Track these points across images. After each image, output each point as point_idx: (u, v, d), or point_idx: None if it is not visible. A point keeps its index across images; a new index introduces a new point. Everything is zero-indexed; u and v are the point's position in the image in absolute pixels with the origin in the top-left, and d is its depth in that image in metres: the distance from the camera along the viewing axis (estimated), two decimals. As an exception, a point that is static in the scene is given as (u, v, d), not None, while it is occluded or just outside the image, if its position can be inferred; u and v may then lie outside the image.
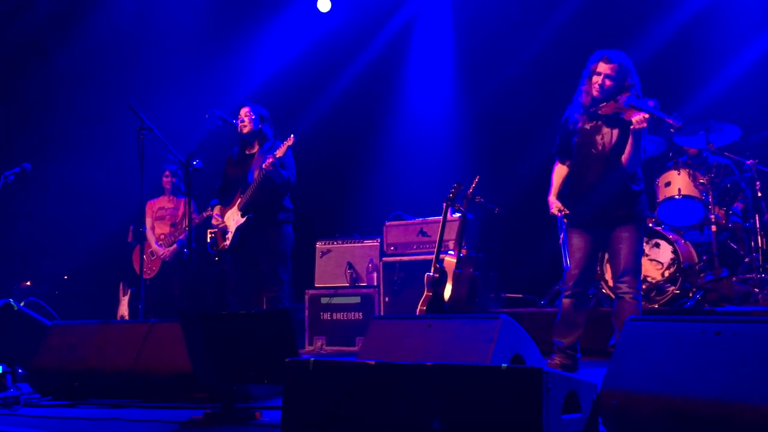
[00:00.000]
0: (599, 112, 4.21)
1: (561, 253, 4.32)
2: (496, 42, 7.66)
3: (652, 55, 6.95)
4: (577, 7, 7.33)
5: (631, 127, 4.02)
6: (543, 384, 2.16)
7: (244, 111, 5.36)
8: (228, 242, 5.27)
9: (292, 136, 5.10)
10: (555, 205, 4.35)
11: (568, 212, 4.28)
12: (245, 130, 5.32)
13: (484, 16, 7.76)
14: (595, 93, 4.19)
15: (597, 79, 4.18)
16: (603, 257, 5.30)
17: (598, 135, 4.23)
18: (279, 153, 5.05)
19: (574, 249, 4.29)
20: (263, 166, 5.05)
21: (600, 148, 4.22)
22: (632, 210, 4.20)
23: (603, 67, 4.18)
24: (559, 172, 4.46)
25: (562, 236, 4.29)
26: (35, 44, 8.24)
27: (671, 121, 3.92)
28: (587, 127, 4.26)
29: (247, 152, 5.39)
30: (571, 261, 4.28)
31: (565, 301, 4.33)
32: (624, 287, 4.16)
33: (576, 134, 4.29)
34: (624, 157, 4.15)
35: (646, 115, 3.96)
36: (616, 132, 4.20)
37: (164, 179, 6.83)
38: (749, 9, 6.81)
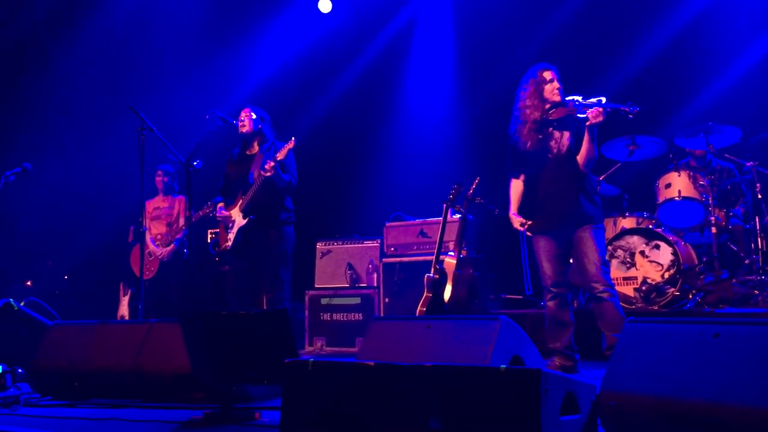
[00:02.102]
0: (549, 118, 4.31)
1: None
2: (496, 43, 7.67)
3: (652, 57, 6.97)
4: (576, 10, 7.34)
5: (587, 123, 4.11)
6: (541, 385, 2.16)
7: (244, 112, 5.38)
8: (230, 243, 5.27)
9: (293, 139, 5.10)
10: (516, 221, 4.44)
11: (530, 223, 4.36)
12: (244, 130, 5.33)
13: (485, 18, 7.77)
14: (557, 98, 4.29)
15: (554, 86, 4.30)
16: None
17: (551, 141, 4.32)
18: (280, 156, 5.05)
19: (542, 253, 4.39)
20: (263, 171, 5.06)
21: (555, 151, 4.31)
22: (587, 209, 4.28)
23: (549, 74, 4.33)
24: (516, 187, 4.54)
25: (523, 257, 4.40)
26: (35, 44, 8.25)
27: (626, 109, 4.03)
28: (539, 136, 4.33)
29: (247, 153, 5.40)
30: (543, 265, 4.38)
31: (549, 304, 4.41)
32: (598, 286, 4.22)
33: (528, 147, 4.34)
34: (580, 157, 4.24)
35: (600, 109, 4.05)
36: (567, 134, 4.30)
37: (156, 179, 6.83)
38: (749, 11, 6.81)
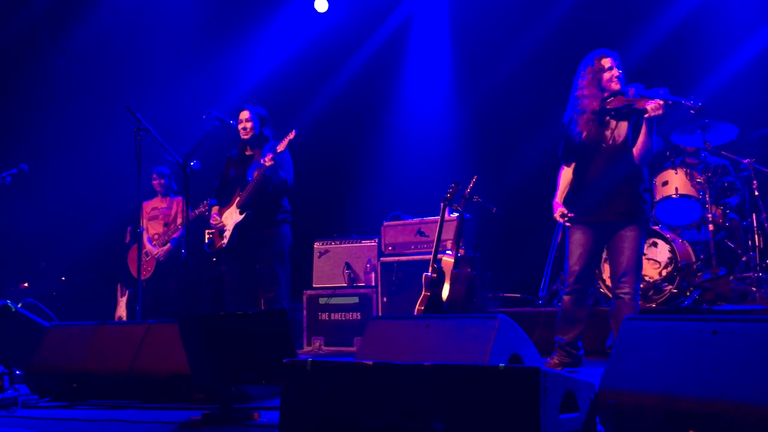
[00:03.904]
0: (607, 106, 4.15)
1: (560, 254, 4.29)
2: (493, 41, 7.67)
3: (648, 53, 6.96)
4: (572, 6, 7.34)
5: (646, 115, 3.93)
6: (540, 384, 2.16)
7: (244, 116, 5.34)
8: (225, 240, 5.27)
9: (294, 131, 5.08)
10: (558, 210, 4.28)
11: (572, 215, 4.21)
12: (246, 137, 5.33)
13: (481, 15, 7.77)
14: (616, 86, 4.14)
15: (612, 73, 4.14)
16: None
17: (607, 130, 4.18)
18: (280, 148, 5.04)
19: (575, 245, 4.23)
20: (263, 162, 5.05)
21: (610, 142, 4.16)
22: (637, 208, 4.15)
23: (608, 62, 4.16)
24: (566, 175, 4.38)
25: (550, 255, 4.24)
26: (31, 44, 8.23)
27: (689, 103, 3.83)
28: (595, 124, 4.18)
29: (246, 153, 5.40)
30: (571, 257, 4.24)
31: (566, 297, 4.29)
32: (625, 288, 4.11)
33: (583, 137, 4.20)
34: (636, 149, 4.09)
35: (661, 102, 3.88)
36: (624, 125, 4.15)
37: (153, 182, 6.83)
38: (745, 7, 6.81)
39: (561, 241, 4.32)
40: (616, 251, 4.17)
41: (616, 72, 4.15)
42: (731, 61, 6.84)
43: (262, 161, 5.08)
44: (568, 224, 4.26)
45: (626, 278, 4.11)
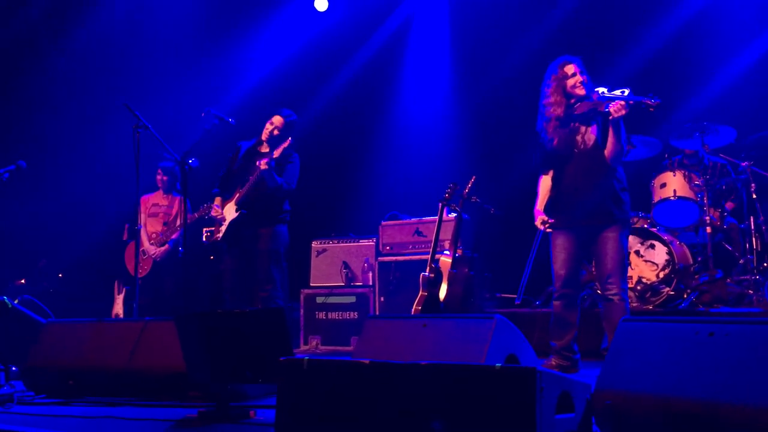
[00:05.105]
0: (574, 113, 4.24)
1: (550, 257, 4.36)
2: (492, 42, 7.67)
3: (648, 56, 6.97)
4: (573, 8, 7.34)
5: (610, 117, 4.04)
6: (536, 384, 2.16)
7: (278, 120, 5.33)
8: (221, 234, 5.28)
9: (289, 138, 5.11)
10: (539, 218, 4.36)
11: (552, 221, 4.28)
12: (265, 138, 5.33)
13: (481, 16, 7.77)
14: (581, 91, 4.22)
15: (576, 79, 4.23)
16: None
17: (577, 135, 4.26)
18: (276, 154, 5.05)
19: (558, 250, 4.30)
20: (258, 165, 5.06)
21: (582, 146, 4.24)
22: (616, 209, 4.21)
23: (571, 68, 4.25)
24: (544, 183, 4.45)
25: (529, 261, 4.33)
26: (31, 42, 8.22)
27: (649, 101, 3.95)
28: (565, 132, 4.26)
29: (259, 149, 5.39)
30: (556, 263, 4.31)
31: (556, 303, 4.35)
32: (613, 288, 4.15)
33: (555, 143, 4.27)
34: (607, 150, 4.18)
35: (623, 102, 3.99)
36: (593, 128, 4.24)
37: (157, 177, 6.81)
38: (744, 12, 6.82)
39: (540, 248, 4.42)
40: (600, 254, 4.22)
41: (580, 78, 4.23)
42: (730, 65, 6.85)
43: (258, 164, 5.07)
44: (549, 230, 4.32)
45: (612, 279, 4.16)
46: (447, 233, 5.81)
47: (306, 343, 6.53)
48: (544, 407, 2.20)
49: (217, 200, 5.41)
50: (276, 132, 5.31)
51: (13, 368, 4.37)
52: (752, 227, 5.75)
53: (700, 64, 6.87)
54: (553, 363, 4.32)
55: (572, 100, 4.25)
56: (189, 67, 8.22)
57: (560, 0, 7.44)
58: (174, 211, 6.74)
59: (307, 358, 2.64)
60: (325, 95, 8.45)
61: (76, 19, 8.12)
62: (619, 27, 7.09)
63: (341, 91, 8.43)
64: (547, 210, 4.35)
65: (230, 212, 5.29)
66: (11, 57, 8.17)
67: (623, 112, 3.98)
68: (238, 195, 5.27)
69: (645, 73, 6.96)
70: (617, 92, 4.06)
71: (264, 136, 5.36)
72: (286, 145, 5.07)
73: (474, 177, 5.73)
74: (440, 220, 5.68)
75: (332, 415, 2.51)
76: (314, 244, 6.85)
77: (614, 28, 7.09)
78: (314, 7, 8.18)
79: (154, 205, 6.82)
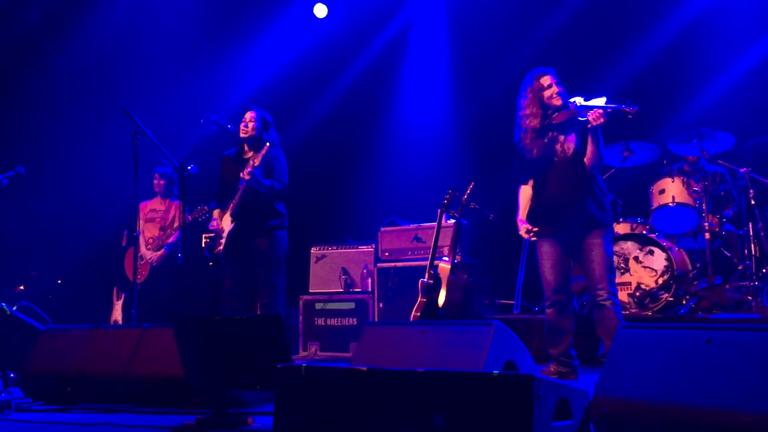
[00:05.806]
0: (553, 122, 4.28)
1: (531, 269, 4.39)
2: (491, 49, 7.68)
3: (646, 63, 6.99)
4: (572, 14, 7.36)
5: (589, 125, 4.09)
6: (534, 391, 2.16)
7: (249, 116, 5.28)
8: (221, 247, 5.26)
9: (267, 144, 5.07)
10: (523, 227, 4.40)
11: (537, 230, 4.32)
12: (245, 135, 5.26)
13: (480, 23, 7.78)
14: (557, 102, 4.26)
15: (552, 90, 4.28)
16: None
17: (557, 144, 4.30)
18: (255, 162, 5.00)
19: (545, 258, 4.34)
20: (242, 176, 5.00)
21: (561, 155, 4.28)
22: (600, 214, 4.25)
23: (547, 80, 4.30)
24: (525, 192, 4.49)
25: (520, 270, 4.37)
26: (30, 47, 8.23)
27: (627, 109, 4.01)
28: (543, 142, 4.30)
29: (243, 156, 5.34)
30: (544, 271, 4.34)
31: (548, 311, 4.37)
32: (602, 294, 4.18)
33: (534, 154, 4.32)
34: (587, 159, 4.22)
35: (600, 111, 4.04)
36: (572, 137, 4.28)
37: (154, 182, 6.81)
38: (742, 19, 6.84)
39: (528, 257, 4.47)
40: (586, 261, 4.25)
41: (556, 89, 4.29)
42: (728, 71, 6.87)
43: (241, 175, 5.04)
44: (534, 239, 4.36)
45: (601, 285, 4.18)
46: (446, 239, 5.81)
47: (305, 350, 6.52)
48: (542, 414, 2.20)
49: (215, 213, 5.38)
50: (252, 125, 5.23)
51: (12, 375, 4.36)
52: (751, 233, 5.75)
53: (698, 70, 6.88)
54: (552, 370, 4.33)
55: (549, 111, 4.29)
56: (188, 71, 8.23)
57: (558, 6, 7.46)
58: (171, 215, 6.74)
59: (304, 364, 2.64)
60: (324, 101, 8.46)
61: (76, 21, 8.12)
62: (618, 34, 7.11)
63: (340, 97, 8.44)
64: (530, 219, 4.40)
65: (227, 224, 5.26)
66: (11, 58, 8.17)
67: (601, 120, 4.04)
68: (231, 206, 5.23)
69: (643, 79, 6.98)
70: (594, 101, 4.13)
71: (244, 134, 5.25)
72: (264, 152, 5.03)
73: (473, 183, 5.74)
74: (439, 226, 5.68)
75: (329, 422, 2.50)
76: (313, 251, 6.84)
77: (612, 35, 7.11)
78: (313, 14, 8.20)
79: (151, 210, 6.81)
